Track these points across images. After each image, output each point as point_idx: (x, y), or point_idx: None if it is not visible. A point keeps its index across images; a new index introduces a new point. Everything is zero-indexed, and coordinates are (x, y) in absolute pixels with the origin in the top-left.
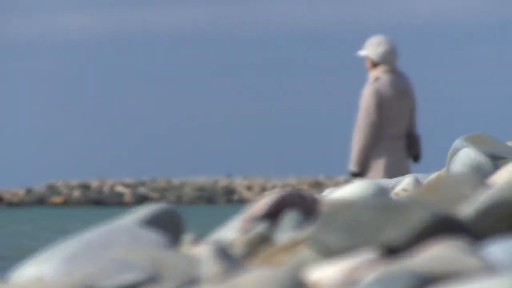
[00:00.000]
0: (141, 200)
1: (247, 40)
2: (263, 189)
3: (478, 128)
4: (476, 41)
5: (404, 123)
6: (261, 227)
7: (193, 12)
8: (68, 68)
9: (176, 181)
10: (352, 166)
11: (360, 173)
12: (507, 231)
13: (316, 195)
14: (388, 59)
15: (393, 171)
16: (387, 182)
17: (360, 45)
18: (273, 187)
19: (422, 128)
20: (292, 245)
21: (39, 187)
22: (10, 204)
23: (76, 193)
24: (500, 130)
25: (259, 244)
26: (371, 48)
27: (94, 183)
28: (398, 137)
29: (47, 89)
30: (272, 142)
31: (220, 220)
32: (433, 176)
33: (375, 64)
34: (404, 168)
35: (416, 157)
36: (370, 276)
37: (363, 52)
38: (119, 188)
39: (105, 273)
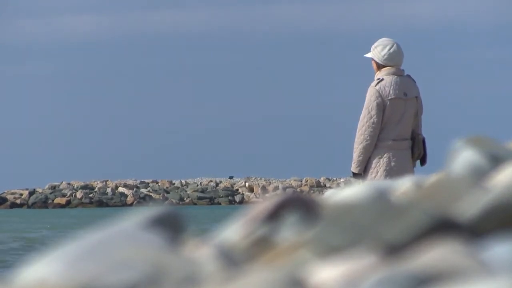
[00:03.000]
0: (143, 201)
1: (249, 43)
2: (265, 191)
3: (478, 129)
4: (477, 43)
5: (408, 125)
6: (262, 229)
7: (196, 16)
8: (72, 70)
9: (178, 182)
10: (354, 168)
11: (361, 174)
12: (507, 232)
13: (317, 197)
14: (393, 61)
15: (394, 173)
16: (388, 183)
17: (365, 47)
18: (275, 188)
19: (424, 130)
20: (293, 247)
21: (42, 188)
22: (14, 205)
23: (79, 195)
24: (501, 131)
25: (260, 246)
26: (376, 51)
27: (97, 185)
28: (401, 139)
29: (51, 91)
30: (274, 144)
31: (221, 221)
32: (433, 178)
33: (380, 66)
34: (406, 169)
35: (422, 160)
36: (371, 277)
37: (368, 55)
38: (122, 189)
39: (106, 274)
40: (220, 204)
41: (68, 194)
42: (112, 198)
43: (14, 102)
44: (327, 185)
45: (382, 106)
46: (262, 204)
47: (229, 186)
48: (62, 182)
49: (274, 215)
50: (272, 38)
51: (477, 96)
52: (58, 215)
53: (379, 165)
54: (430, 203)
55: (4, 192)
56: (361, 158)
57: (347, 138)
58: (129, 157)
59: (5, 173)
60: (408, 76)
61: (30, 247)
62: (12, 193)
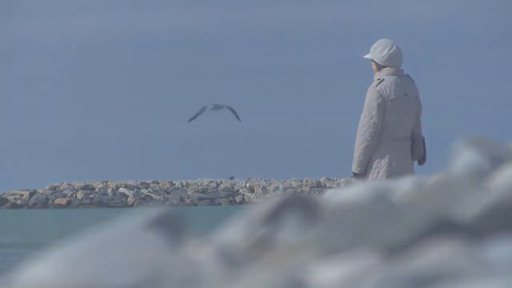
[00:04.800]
0: (144, 202)
1: (248, 42)
2: (265, 191)
3: (478, 130)
4: (478, 43)
5: (408, 125)
6: (263, 230)
7: (196, 16)
8: (72, 70)
9: (178, 183)
10: (355, 168)
11: (362, 175)
12: (507, 233)
13: (318, 197)
14: (392, 62)
15: (395, 173)
16: (389, 184)
17: (365, 47)
18: (275, 189)
19: (424, 130)
20: (294, 248)
21: (43, 189)
22: (14, 206)
23: (80, 195)
24: (501, 131)
25: (261, 247)
26: (376, 51)
27: (98, 185)
28: (401, 139)
29: (51, 92)
30: (274, 144)
31: (222, 222)
32: (433, 178)
33: (380, 67)
34: (406, 169)
35: (421, 160)
36: (372, 277)
37: (368, 56)
38: (123, 190)
39: (107, 275)
40: (220, 204)
41: (68, 195)
42: (112, 199)
43: (15, 102)
44: (328, 185)
45: (383, 107)
46: (262, 205)
47: (229, 186)
48: (63, 182)
49: (275, 216)
50: (271, 38)
51: (477, 96)
52: (59, 216)
53: (380, 165)
54: (430, 203)
55: (4, 193)
56: (362, 158)
57: (347, 138)
58: (130, 157)
59: (5, 174)
60: (408, 76)
61: (30, 248)
62: (13, 194)
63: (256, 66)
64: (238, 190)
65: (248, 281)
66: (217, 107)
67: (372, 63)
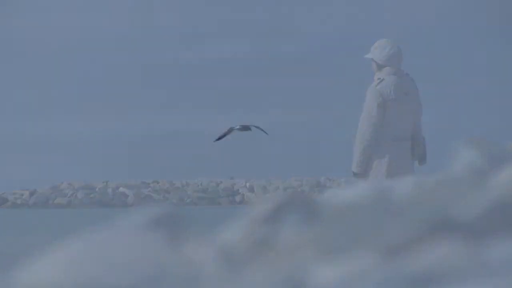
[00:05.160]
0: (144, 202)
1: (248, 40)
2: (265, 191)
3: (479, 129)
4: (479, 42)
5: (408, 125)
6: (263, 230)
7: (197, 15)
8: (72, 70)
9: (178, 183)
10: (355, 167)
11: (362, 174)
12: (507, 233)
13: (318, 197)
14: (392, 62)
15: (395, 172)
16: (389, 183)
17: (366, 47)
18: (275, 189)
19: (424, 130)
20: (294, 247)
21: (43, 188)
22: (14, 206)
23: (80, 195)
24: (501, 131)
25: (261, 247)
26: (376, 51)
27: (98, 185)
28: (401, 139)
29: (51, 91)
30: (274, 144)
31: (222, 222)
32: (433, 178)
33: (380, 67)
34: (406, 169)
35: (421, 160)
36: (372, 277)
37: (368, 55)
38: (123, 190)
39: (107, 275)
40: (220, 204)
41: (69, 195)
42: (112, 199)
43: (15, 102)
44: (328, 185)
45: (383, 106)
46: (262, 205)
47: (229, 186)
48: (63, 182)
49: (275, 216)
50: (271, 38)
51: (477, 96)
52: (59, 216)
53: (380, 165)
54: (430, 203)
55: (4, 193)
56: (362, 158)
57: (347, 138)
58: (130, 157)
59: (6, 173)
60: (408, 75)
61: (31, 248)
62: (13, 194)
63: (256, 65)
64: (238, 190)
65: (248, 281)
66: (244, 128)
67: (372, 63)
